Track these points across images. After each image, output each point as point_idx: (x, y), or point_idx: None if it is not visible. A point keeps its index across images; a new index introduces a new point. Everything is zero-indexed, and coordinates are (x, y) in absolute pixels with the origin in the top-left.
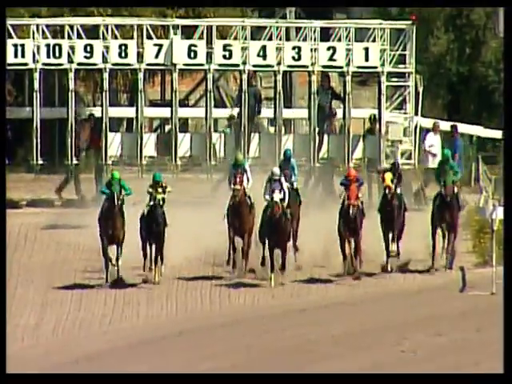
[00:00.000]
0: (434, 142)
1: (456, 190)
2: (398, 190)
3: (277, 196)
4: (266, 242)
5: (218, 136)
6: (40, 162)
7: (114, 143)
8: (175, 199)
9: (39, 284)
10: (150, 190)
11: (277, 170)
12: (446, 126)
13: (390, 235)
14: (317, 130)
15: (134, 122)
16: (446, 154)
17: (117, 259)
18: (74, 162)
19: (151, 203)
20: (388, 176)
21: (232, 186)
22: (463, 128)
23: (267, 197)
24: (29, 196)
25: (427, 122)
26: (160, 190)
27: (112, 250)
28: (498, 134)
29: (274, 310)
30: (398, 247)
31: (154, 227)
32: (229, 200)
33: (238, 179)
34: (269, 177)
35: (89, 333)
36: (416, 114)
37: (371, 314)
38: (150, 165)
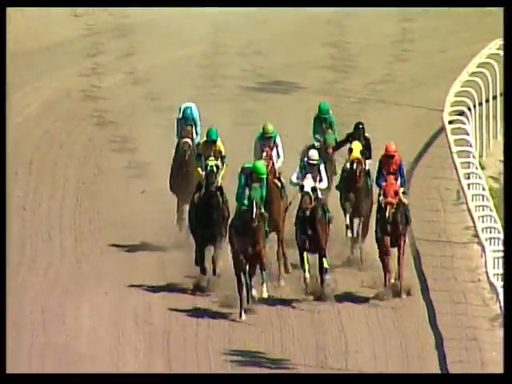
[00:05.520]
0: None
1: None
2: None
3: (308, 184)
4: (299, 242)
5: None
6: None
7: None
8: None
9: None
10: (201, 156)
11: (314, 153)
12: None
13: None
14: None
15: None
16: (322, 108)
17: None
18: None
19: (203, 181)
20: (356, 146)
21: None
22: None
23: (294, 180)
24: None
25: None
26: (212, 154)
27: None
28: None
29: None
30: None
31: (207, 217)
32: None
33: (265, 153)
34: (301, 160)
35: None
36: None
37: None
38: None
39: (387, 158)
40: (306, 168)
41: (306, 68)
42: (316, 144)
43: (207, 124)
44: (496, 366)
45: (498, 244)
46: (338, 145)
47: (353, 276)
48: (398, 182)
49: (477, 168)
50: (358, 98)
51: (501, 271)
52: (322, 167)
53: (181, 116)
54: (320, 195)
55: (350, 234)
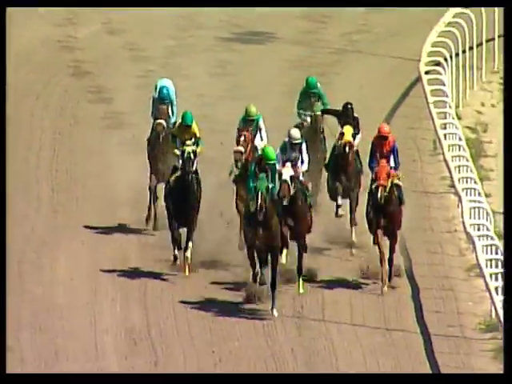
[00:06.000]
0: None
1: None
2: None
3: (287, 172)
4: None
5: None
6: None
7: None
8: None
9: None
10: (176, 138)
11: (296, 132)
12: None
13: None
14: None
15: None
16: (310, 82)
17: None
18: None
19: (179, 164)
20: (348, 130)
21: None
22: None
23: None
24: None
25: None
26: (189, 140)
27: None
28: None
29: None
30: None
31: (182, 201)
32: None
33: (242, 138)
34: (284, 142)
35: None
36: None
37: None
38: None
39: (380, 140)
40: (288, 148)
41: (282, 18)
42: (305, 123)
43: (184, 75)
44: (471, 317)
45: (475, 194)
46: (327, 111)
47: (342, 258)
48: (392, 164)
49: (453, 118)
50: (334, 48)
51: (477, 221)
52: (303, 147)
53: (157, 95)
54: (301, 177)
55: (341, 212)
